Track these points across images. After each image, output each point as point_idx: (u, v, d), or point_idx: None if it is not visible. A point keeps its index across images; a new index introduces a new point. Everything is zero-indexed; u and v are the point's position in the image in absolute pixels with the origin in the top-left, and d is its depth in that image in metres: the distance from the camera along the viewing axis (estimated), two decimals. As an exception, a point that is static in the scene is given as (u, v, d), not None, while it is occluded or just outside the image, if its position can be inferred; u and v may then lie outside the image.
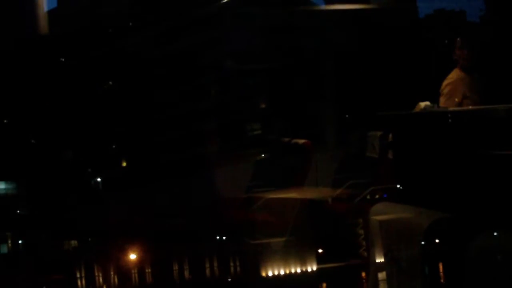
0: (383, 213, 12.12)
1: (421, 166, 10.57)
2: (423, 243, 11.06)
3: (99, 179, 68.07)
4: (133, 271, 55.52)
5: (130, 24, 72.15)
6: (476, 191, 9.76)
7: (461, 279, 10.60)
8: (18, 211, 64.20)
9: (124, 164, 65.45)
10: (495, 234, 9.83)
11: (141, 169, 59.56)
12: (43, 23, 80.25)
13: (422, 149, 10.45)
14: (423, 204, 10.69)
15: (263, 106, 59.46)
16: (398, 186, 12.16)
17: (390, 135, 13.20)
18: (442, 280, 11.62)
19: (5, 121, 68.37)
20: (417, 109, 10.81)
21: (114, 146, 67.39)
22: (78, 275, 53.84)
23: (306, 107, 55.11)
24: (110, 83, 67.60)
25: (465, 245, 10.14)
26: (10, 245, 63.87)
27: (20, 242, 61.59)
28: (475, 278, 10.12)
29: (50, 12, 78.29)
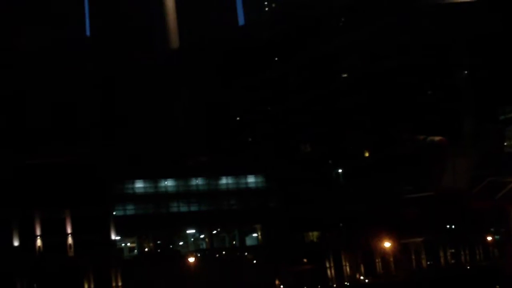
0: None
1: None
2: None
3: (340, 170, 72.75)
4: (377, 260, 61.10)
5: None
6: None
7: None
8: (269, 204, 69.16)
9: (366, 154, 69.54)
10: None
11: (380, 159, 63.14)
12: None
13: None
14: None
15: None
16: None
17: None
18: None
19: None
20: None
21: (353, 139, 71.55)
22: (327, 265, 59.50)
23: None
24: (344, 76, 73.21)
25: None
26: (260, 236, 69.56)
27: (268, 233, 66.11)
28: None
29: (240, 28, 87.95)
